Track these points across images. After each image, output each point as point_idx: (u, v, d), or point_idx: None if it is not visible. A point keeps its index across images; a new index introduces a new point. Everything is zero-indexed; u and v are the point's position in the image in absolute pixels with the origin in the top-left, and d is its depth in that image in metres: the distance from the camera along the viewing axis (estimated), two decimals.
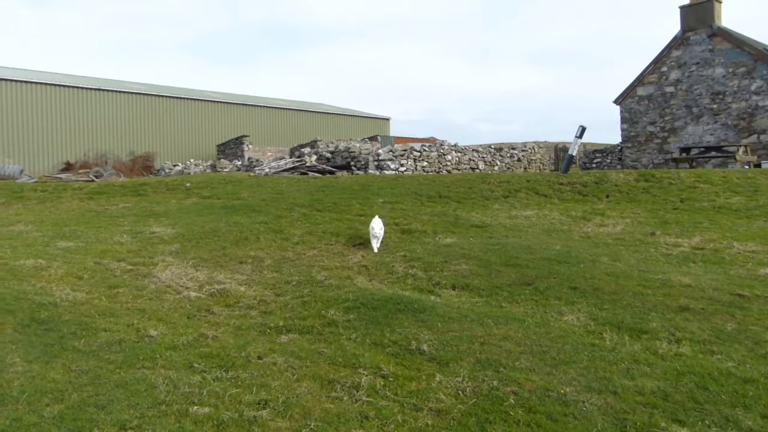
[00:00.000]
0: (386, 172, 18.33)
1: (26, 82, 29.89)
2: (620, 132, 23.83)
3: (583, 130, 15.98)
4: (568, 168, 16.06)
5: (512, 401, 3.99)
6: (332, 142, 25.02)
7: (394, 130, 44.70)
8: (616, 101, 23.73)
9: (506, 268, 7.23)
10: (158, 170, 28.55)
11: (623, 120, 23.62)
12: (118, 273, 7.14)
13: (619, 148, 24.16)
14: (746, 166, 17.33)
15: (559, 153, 24.08)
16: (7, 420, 3.59)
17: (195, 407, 3.84)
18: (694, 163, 19.05)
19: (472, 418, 3.79)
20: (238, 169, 24.32)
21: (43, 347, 4.74)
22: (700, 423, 3.74)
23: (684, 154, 19.36)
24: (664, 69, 22.40)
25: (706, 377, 4.32)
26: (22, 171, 23.00)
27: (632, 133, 23.38)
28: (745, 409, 3.89)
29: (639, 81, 23.07)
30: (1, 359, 4.46)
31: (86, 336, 5.01)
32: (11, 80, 29.31)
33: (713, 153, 19.07)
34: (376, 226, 8.40)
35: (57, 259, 7.50)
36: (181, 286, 6.74)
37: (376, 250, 8.26)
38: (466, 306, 6.02)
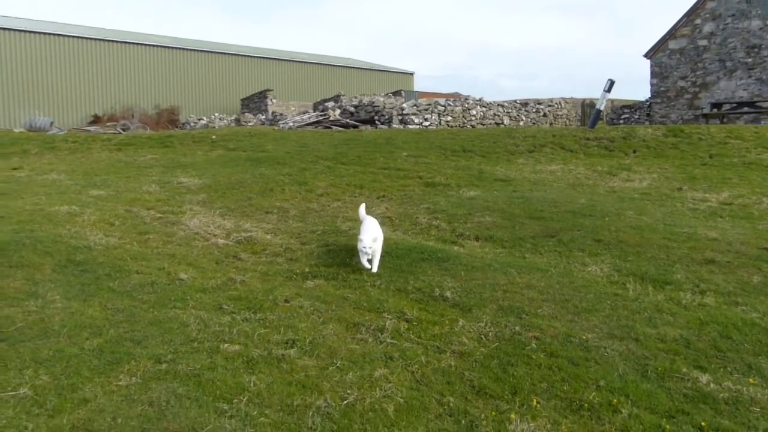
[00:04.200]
0: (410, 127, 18.22)
1: (54, 34, 30.04)
2: (649, 87, 23.21)
3: (611, 83, 15.61)
4: (595, 123, 15.76)
5: (534, 346, 4.07)
6: (356, 97, 24.86)
7: (418, 86, 44.35)
8: (647, 55, 23.05)
9: (530, 220, 7.23)
10: (183, 124, 28.73)
11: (653, 75, 22.98)
12: (148, 220, 7.30)
13: (647, 103, 23.58)
14: None
15: (586, 109, 23.67)
16: (50, 351, 3.78)
17: (225, 345, 3.99)
18: (725, 119, 18.53)
19: (495, 361, 3.88)
20: (262, 123, 24.39)
21: (80, 286, 4.92)
22: (722, 370, 3.78)
23: (715, 110, 18.84)
24: (698, 21, 21.62)
25: (730, 327, 4.34)
26: (52, 123, 23.31)
27: (662, 88, 22.78)
28: None
29: (671, 34, 22.33)
30: (42, 296, 4.66)
31: (120, 277, 5.18)
32: (39, 33, 29.49)
33: (746, 109, 18.54)
34: (366, 238, 5.47)
35: (89, 206, 7.69)
36: (209, 234, 6.89)
37: (366, 265, 5.57)
38: (489, 256, 6.07)
